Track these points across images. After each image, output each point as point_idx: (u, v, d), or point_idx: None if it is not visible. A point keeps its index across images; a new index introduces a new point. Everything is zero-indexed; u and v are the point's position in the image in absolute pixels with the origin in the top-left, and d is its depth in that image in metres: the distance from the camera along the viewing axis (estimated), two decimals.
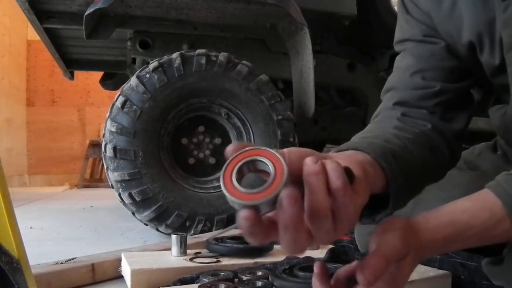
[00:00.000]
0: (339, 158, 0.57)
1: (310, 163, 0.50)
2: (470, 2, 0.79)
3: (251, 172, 0.50)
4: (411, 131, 0.77)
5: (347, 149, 0.65)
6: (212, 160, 1.90)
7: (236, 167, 0.49)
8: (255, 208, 0.46)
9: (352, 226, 0.53)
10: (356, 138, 0.73)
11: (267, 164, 0.48)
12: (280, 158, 0.48)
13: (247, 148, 0.50)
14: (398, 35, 0.92)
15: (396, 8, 2.40)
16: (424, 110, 0.82)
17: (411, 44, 0.88)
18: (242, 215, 0.46)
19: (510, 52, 0.76)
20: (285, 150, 0.53)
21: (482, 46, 0.81)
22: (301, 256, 0.98)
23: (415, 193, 0.73)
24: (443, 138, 0.80)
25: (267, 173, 0.48)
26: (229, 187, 0.48)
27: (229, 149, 0.51)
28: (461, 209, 0.61)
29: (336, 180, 0.49)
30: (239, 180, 0.48)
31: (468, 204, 0.62)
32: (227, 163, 0.50)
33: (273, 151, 0.49)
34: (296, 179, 0.49)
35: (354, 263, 0.59)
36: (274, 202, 0.46)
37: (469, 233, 0.60)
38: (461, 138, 0.85)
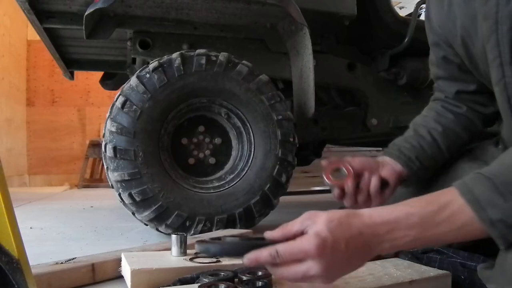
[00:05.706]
0: (383, 165, 1.06)
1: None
2: None
3: (339, 172, 1.03)
4: (448, 117, 1.11)
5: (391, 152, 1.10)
6: (212, 160, 1.90)
7: (330, 169, 1.04)
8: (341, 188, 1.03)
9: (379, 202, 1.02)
10: (398, 140, 1.12)
11: (343, 169, 1.03)
12: (350, 168, 1.02)
13: (334, 160, 1.05)
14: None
15: (396, 8, 2.40)
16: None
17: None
18: (336, 191, 1.03)
19: (489, 43, 0.82)
20: (351, 159, 1.03)
21: (471, 40, 0.88)
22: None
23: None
24: (477, 114, 1.09)
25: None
26: (329, 179, 1.03)
27: (325, 161, 1.04)
28: (437, 222, 0.67)
29: (372, 189, 1.02)
30: (332, 175, 1.04)
31: (444, 215, 0.67)
32: (326, 166, 1.04)
33: (345, 163, 1.03)
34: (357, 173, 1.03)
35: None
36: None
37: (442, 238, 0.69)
38: (490, 122, 1.11)
